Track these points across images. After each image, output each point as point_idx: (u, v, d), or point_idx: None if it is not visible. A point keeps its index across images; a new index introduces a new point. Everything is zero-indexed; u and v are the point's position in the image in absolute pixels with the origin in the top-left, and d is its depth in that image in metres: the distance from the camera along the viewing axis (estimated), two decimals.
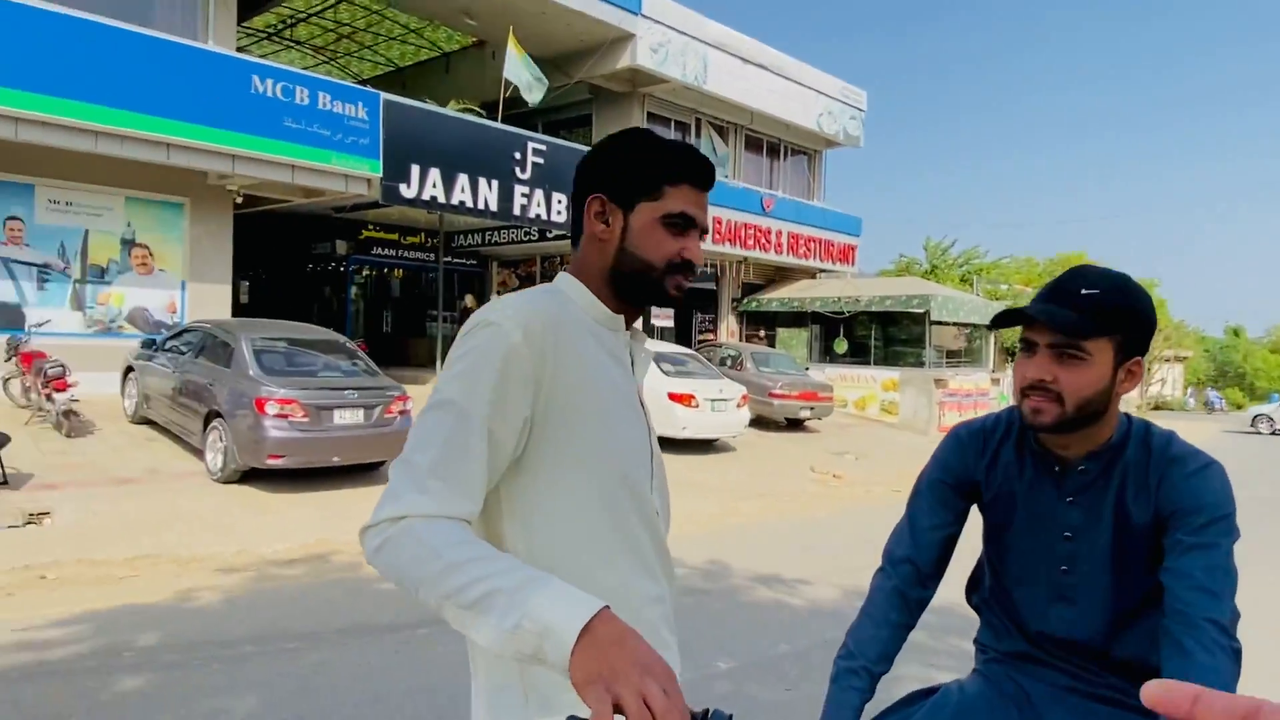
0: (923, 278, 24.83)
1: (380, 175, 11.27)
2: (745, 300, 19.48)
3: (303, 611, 4.68)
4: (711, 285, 19.32)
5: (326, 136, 10.73)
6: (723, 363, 14.62)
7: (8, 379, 9.01)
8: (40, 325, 9.86)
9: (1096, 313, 1.27)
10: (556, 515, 1.10)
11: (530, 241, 16.55)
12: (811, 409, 14.18)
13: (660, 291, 1.20)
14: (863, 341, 18.74)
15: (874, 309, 17.65)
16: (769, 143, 19.95)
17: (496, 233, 17.05)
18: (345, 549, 6.14)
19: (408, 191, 11.62)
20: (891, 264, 29.63)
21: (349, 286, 17.37)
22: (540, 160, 13.35)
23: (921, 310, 16.87)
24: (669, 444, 11.37)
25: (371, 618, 4.58)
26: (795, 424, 14.52)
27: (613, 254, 1.19)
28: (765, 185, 19.43)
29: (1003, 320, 1.39)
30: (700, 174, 1.21)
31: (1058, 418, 1.31)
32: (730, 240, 17.13)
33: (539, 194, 13.32)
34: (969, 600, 1.66)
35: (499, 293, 18.10)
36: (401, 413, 8.14)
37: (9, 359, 8.87)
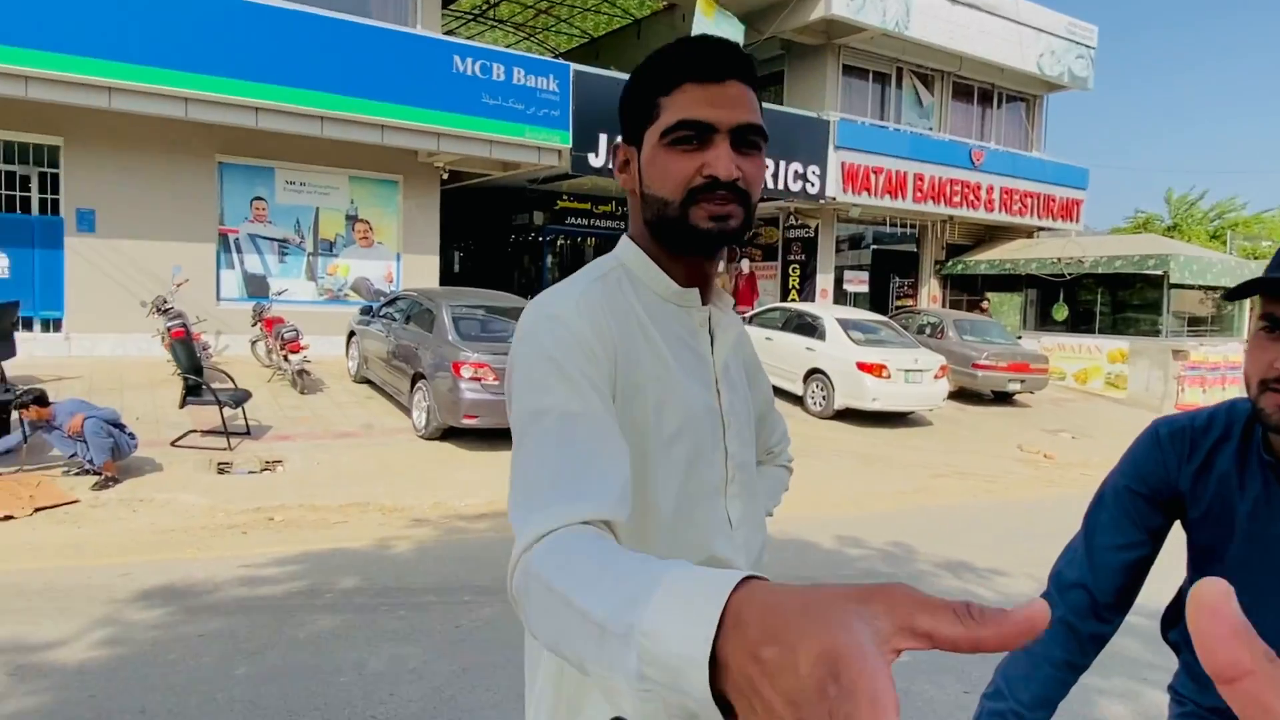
0: (1164, 234, 21.93)
1: (570, 146, 11.54)
2: (950, 263, 18.14)
3: (483, 565, 4.92)
4: (912, 247, 18.18)
5: (520, 110, 11.12)
6: (921, 330, 13.72)
7: (255, 341, 10.24)
8: (280, 294, 11.13)
9: None
10: (644, 508, 0.97)
11: None
12: (1022, 382, 12.99)
13: (689, 230, 0.94)
14: (1087, 308, 16.87)
15: (1101, 270, 15.79)
16: (980, 89, 18.29)
17: None
18: None
19: (595, 161, 11.82)
20: (1126, 220, 26.50)
21: (545, 255, 18.09)
22: None
23: (1159, 271, 14.88)
24: (858, 416, 10.89)
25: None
26: (1003, 398, 13.38)
27: (640, 206, 1.00)
28: (975, 136, 17.87)
29: (1244, 290, 1.05)
30: (699, 64, 0.93)
31: None
32: (933, 198, 15.95)
33: None
34: (1165, 637, 1.34)
35: None
36: None
37: (255, 324, 10.06)
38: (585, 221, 18.02)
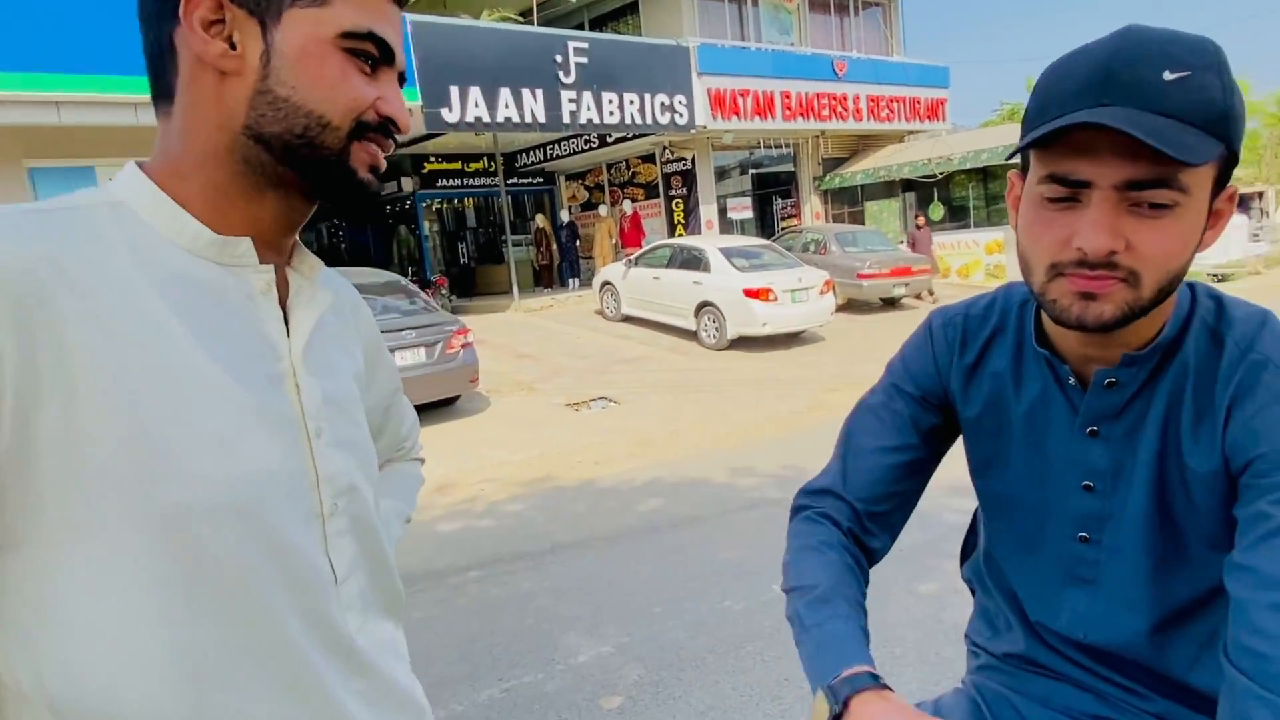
0: None
1: (420, 103, 10.90)
2: (827, 177, 18.28)
3: None
4: (789, 167, 18.21)
5: None
6: (806, 249, 13.79)
7: None
8: None
9: (1200, 114, 0.71)
10: (96, 620, 0.62)
11: (591, 150, 15.95)
12: (906, 285, 13.25)
13: (344, 173, 0.71)
14: (962, 204, 17.33)
15: (969, 166, 16.17)
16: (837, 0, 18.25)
17: (556, 145, 16.52)
18: None
19: (450, 115, 11.23)
20: (995, 113, 27.24)
21: (421, 223, 17.36)
22: (584, 60, 12.62)
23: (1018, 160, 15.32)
24: (752, 342, 10.89)
25: (430, 565, 4.47)
26: (891, 303, 13.65)
27: (246, 102, 0.68)
28: (837, 47, 17.87)
29: (1029, 145, 0.77)
30: None
31: (1127, 310, 0.77)
32: (803, 114, 15.93)
33: (587, 97, 12.66)
34: (961, 573, 1.18)
35: (569, 209, 17.68)
36: (464, 346, 7.99)
37: None
38: (458, 182, 17.32)
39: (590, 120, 12.81)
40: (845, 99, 16.66)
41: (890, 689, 0.78)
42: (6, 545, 0.61)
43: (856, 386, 8.62)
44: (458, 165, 17.10)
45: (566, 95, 12.47)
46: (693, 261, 11.39)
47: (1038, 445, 0.94)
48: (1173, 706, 0.90)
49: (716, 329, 10.93)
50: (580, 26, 16.46)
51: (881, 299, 13.45)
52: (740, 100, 14.75)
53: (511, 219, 17.35)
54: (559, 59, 12.38)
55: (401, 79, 0.75)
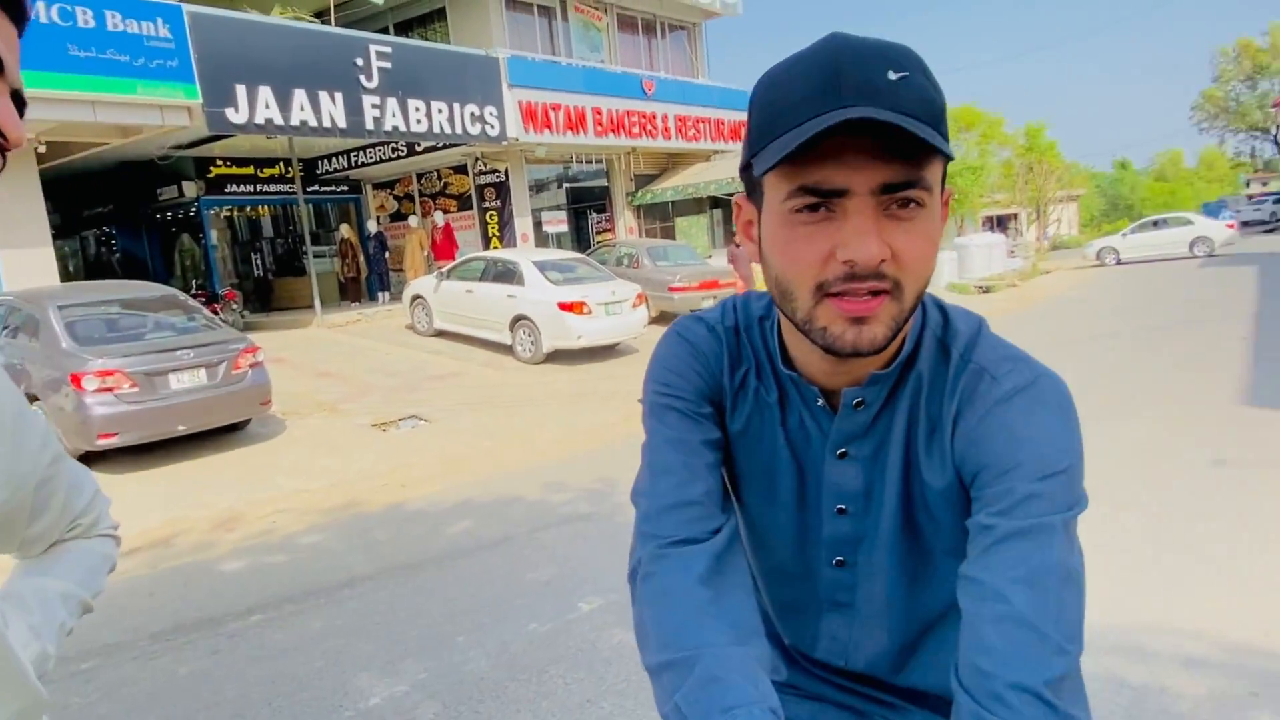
0: None
1: (201, 101, 9.98)
2: (639, 193, 18.70)
3: (120, 614, 4.07)
4: (603, 181, 18.45)
5: (126, 63, 9.35)
6: (620, 262, 13.99)
7: None
8: None
9: (925, 111, 0.69)
10: None
11: (399, 159, 15.34)
12: (715, 298, 13.77)
13: None
14: None
15: None
16: (644, 20, 18.76)
17: (362, 153, 15.75)
18: (193, 528, 5.50)
19: (236, 116, 10.37)
20: None
21: (208, 232, 15.90)
22: (387, 64, 12.11)
23: None
24: (568, 355, 10.86)
25: (204, 611, 4.01)
26: None
27: None
28: (645, 67, 18.36)
29: (779, 151, 0.69)
30: None
31: (895, 326, 0.74)
32: (614, 131, 16.20)
33: (392, 103, 12.15)
34: None
35: (377, 219, 16.89)
36: (253, 365, 7.35)
37: None
38: (250, 188, 16.05)
39: (396, 128, 12.30)
40: (654, 118, 17.13)
41: None
42: None
43: None
44: (249, 170, 15.85)
45: (369, 100, 11.90)
46: (507, 274, 11.21)
47: (794, 469, 0.90)
48: (931, 717, 0.90)
49: (532, 343, 10.80)
50: (384, 30, 15.80)
51: (691, 310, 13.88)
52: (552, 114, 14.76)
53: (313, 229, 16.32)
54: (360, 62, 11.80)
55: (19, 97, 0.69)
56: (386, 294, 15.43)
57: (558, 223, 16.69)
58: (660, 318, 13.17)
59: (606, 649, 3.15)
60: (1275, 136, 47.82)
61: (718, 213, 18.84)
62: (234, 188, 15.79)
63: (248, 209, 17.36)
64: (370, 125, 11.97)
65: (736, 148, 19.65)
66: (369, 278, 15.84)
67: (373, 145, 15.13)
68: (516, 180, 15.74)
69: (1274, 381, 7.06)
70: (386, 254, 15.75)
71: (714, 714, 0.69)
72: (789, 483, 0.90)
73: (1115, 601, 3.20)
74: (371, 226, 16.10)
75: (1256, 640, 2.83)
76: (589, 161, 17.35)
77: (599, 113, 15.79)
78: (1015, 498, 0.73)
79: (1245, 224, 33.88)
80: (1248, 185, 49.39)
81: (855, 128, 0.66)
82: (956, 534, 0.81)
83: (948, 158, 0.72)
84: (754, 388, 0.90)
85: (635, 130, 16.70)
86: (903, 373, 0.82)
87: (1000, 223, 38.44)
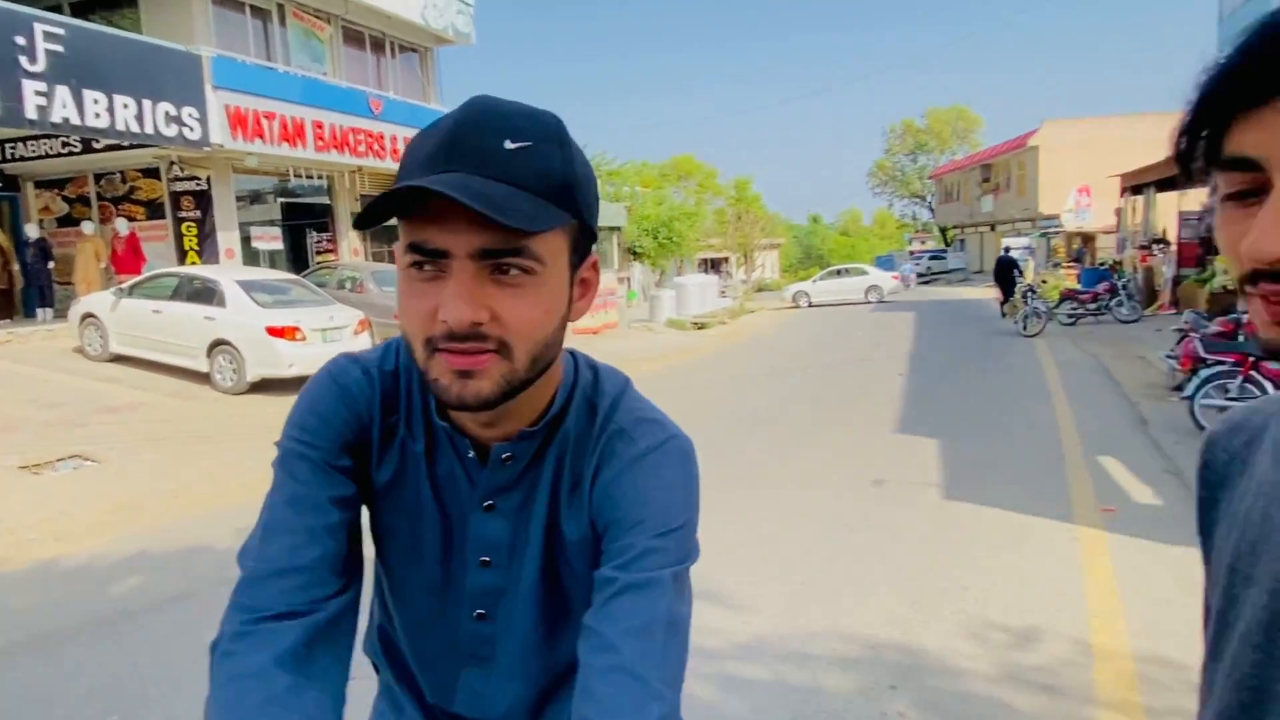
0: None
1: None
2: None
3: None
4: (325, 199, 17.36)
5: None
6: (341, 285, 13.20)
7: None
8: None
9: (541, 183, 0.71)
10: None
11: (72, 155, 13.27)
12: None
13: None
14: None
15: None
16: (372, 37, 18.06)
17: (21, 144, 13.41)
18: None
19: None
20: None
21: None
22: (58, 47, 10.47)
23: None
24: (277, 385, 9.99)
25: None
26: None
27: None
28: (373, 85, 17.65)
29: (380, 209, 0.72)
30: None
31: (505, 385, 0.75)
32: (337, 147, 15.33)
33: (63, 92, 10.51)
34: (364, 647, 1.06)
35: (39, 222, 14.41)
36: None
37: None
38: None
39: (68, 120, 10.63)
40: (383, 138, 16.49)
41: None
42: None
43: None
44: None
45: (33, 86, 10.17)
46: (205, 294, 10.08)
47: (443, 521, 0.89)
48: None
49: (234, 371, 9.79)
50: (58, 9, 13.65)
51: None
52: (266, 123, 13.63)
53: None
54: (22, 41, 10.06)
55: None
56: (48, 310, 13.17)
57: (270, 239, 15.39)
58: None
59: None
60: (929, 203, 57.39)
61: None
62: None
63: None
64: (33, 115, 10.22)
65: None
66: (25, 290, 13.44)
67: (37, 137, 12.93)
68: (221, 190, 14.28)
69: (919, 413, 8.39)
70: (50, 264, 13.45)
71: None
72: (433, 534, 0.89)
73: (785, 612, 3.58)
74: (31, 231, 13.66)
75: (896, 639, 3.31)
76: (309, 177, 16.23)
77: (320, 126, 14.87)
78: (635, 552, 0.78)
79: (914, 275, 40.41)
80: (910, 243, 58.73)
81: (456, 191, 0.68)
82: (590, 586, 0.84)
83: (580, 229, 0.76)
84: (401, 437, 0.88)
85: (361, 149, 15.95)
86: (551, 430, 0.85)
87: (714, 265, 41.96)
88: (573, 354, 0.90)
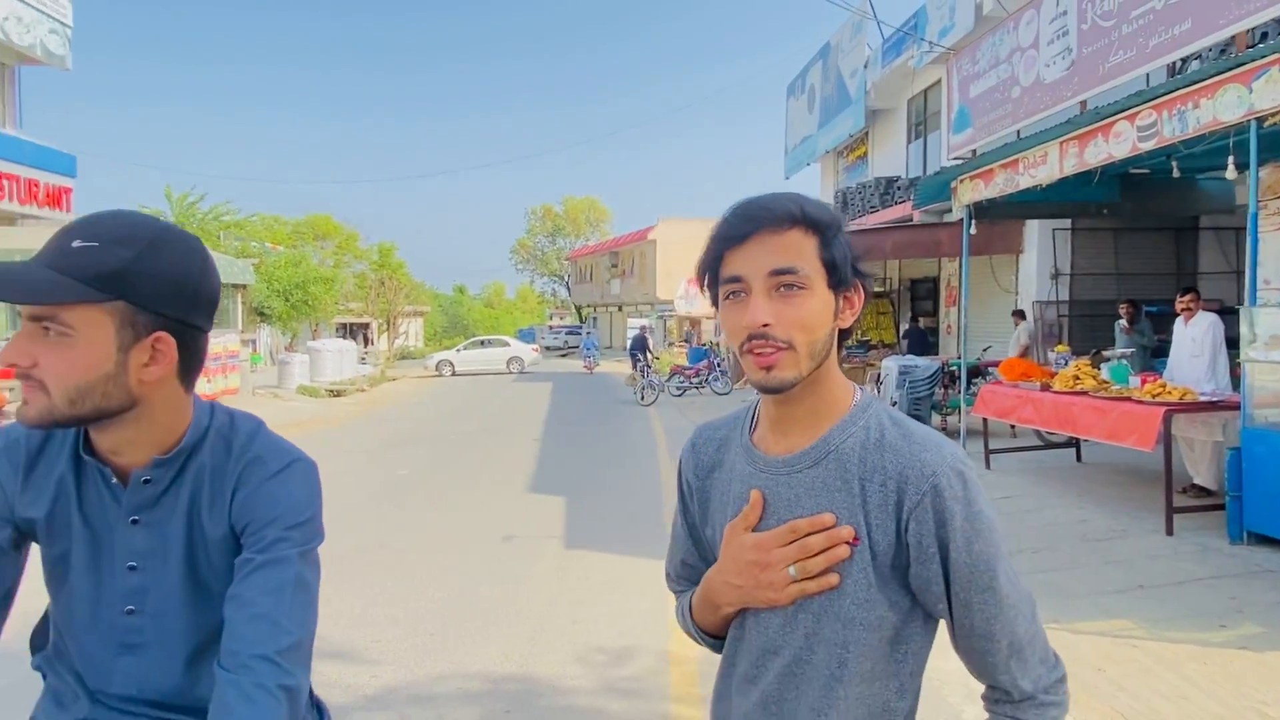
0: None
1: None
2: None
3: None
4: None
5: None
6: None
7: None
8: None
9: (83, 272, 0.96)
10: None
11: None
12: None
13: None
14: None
15: None
16: None
17: None
18: None
19: None
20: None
21: None
22: None
23: None
24: None
25: None
26: None
27: None
28: None
29: None
30: None
31: (42, 415, 0.99)
32: None
33: None
34: (33, 663, 1.22)
35: None
36: None
37: None
38: None
39: None
40: None
41: None
42: None
43: None
44: None
45: None
46: None
47: (95, 537, 1.10)
48: None
49: None
50: None
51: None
52: None
53: None
54: None
55: None
56: None
57: None
58: None
59: None
60: (567, 282, 61.57)
61: None
62: None
63: None
64: None
65: (53, 215, 16.71)
66: None
67: None
68: None
69: (548, 474, 9.10)
70: None
71: None
72: (91, 549, 1.09)
73: (414, 663, 3.77)
74: None
75: (514, 671, 3.69)
76: None
77: None
78: (269, 539, 1.06)
79: (548, 348, 42.80)
80: (551, 318, 62.22)
81: None
82: (230, 575, 1.08)
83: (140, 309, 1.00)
84: (59, 476, 1.10)
85: None
86: (189, 459, 1.10)
87: (354, 331, 40.42)
88: (212, 405, 1.16)
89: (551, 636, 4.12)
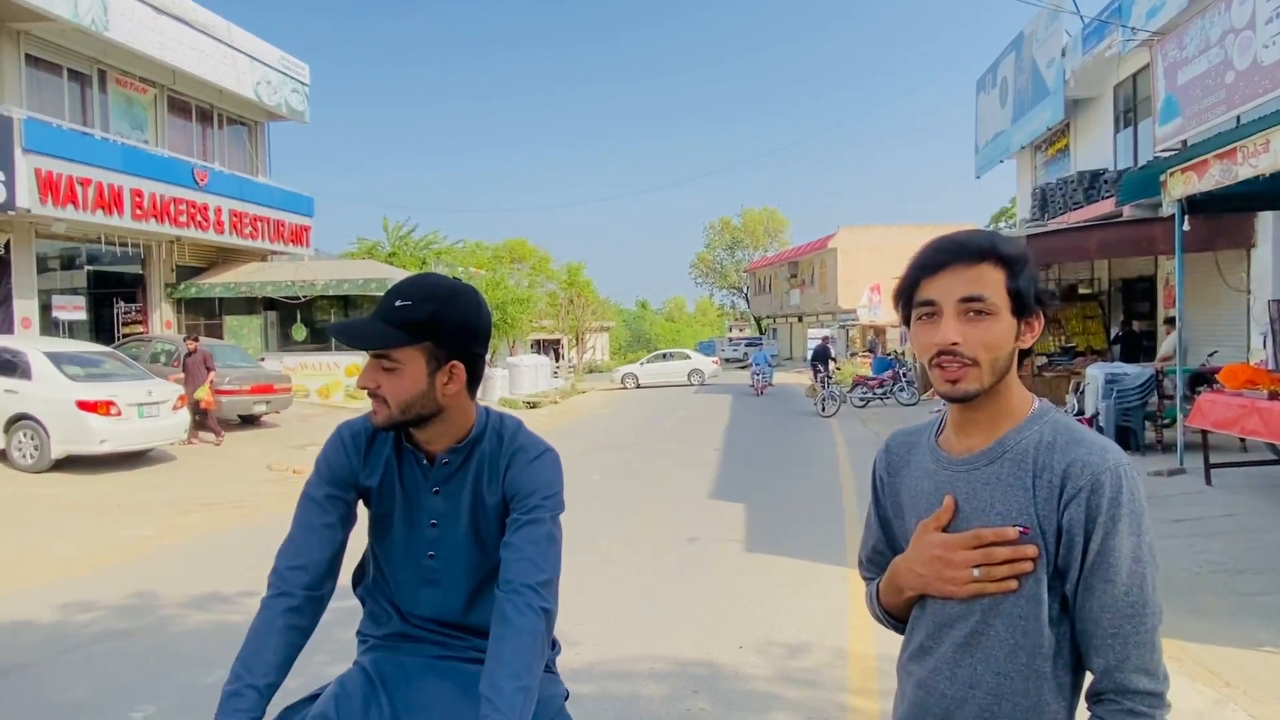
0: (385, 260, 24.95)
1: None
2: (182, 285, 17.15)
3: None
4: (137, 268, 16.54)
5: None
6: (156, 359, 12.69)
7: None
8: None
9: (405, 324, 1.39)
10: None
11: None
12: (268, 403, 13.21)
13: None
14: (323, 327, 18.09)
15: (332, 293, 17.15)
16: (199, 108, 17.74)
17: None
18: None
19: None
20: (354, 246, 29.16)
21: None
22: None
23: (380, 293, 16.91)
24: (85, 462, 9.48)
25: None
26: (250, 420, 13.38)
27: None
28: (198, 155, 17.25)
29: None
30: None
31: (387, 420, 1.43)
32: (157, 216, 14.81)
33: None
34: (355, 592, 1.68)
35: None
36: None
37: None
38: None
39: None
40: (207, 209, 16.10)
41: None
42: None
43: (209, 507, 8.29)
44: None
45: None
46: (6, 367, 9.48)
47: (409, 501, 1.53)
48: (478, 641, 1.52)
49: (36, 447, 9.21)
50: None
51: (240, 415, 13.09)
52: (80, 189, 13.06)
53: None
54: None
55: None
56: None
57: (74, 309, 14.49)
58: (204, 423, 12.17)
59: None
60: (746, 294, 61.72)
61: (273, 314, 18.09)
62: None
63: None
64: None
65: (296, 251, 19.25)
66: None
67: None
68: (21, 256, 13.39)
69: (729, 482, 9.38)
70: None
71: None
72: (400, 510, 1.54)
73: (609, 645, 4.18)
74: None
75: (699, 657, 4.00)
76: (122, 245, 15.48)
77: (140, 195, 14.37)
78: (530, 505, 1.46)
79: (727, 360, 43.09)
80: (730, 330, 62.62)
81: None
82: (499, 533, 1.47)
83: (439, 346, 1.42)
84: (385, 458, 1.55)
85: (182, 219, 15.48)
86: (473, 447, 1.53)
87: (546, 347, 42.81)
88: (486, 408, 1.58)
89: (733, 629, 4.40)
